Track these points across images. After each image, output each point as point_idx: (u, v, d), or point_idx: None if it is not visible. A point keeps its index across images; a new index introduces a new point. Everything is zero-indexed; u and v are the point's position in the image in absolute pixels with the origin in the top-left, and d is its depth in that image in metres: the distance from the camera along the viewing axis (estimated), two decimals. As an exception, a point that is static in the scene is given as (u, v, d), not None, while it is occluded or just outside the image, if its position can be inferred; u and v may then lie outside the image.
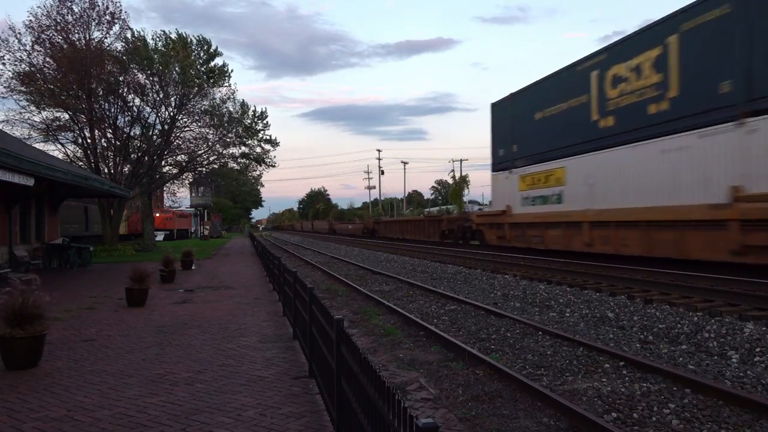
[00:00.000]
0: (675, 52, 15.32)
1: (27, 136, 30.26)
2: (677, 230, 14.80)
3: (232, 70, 41.46)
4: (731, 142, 13.42)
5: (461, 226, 31.26)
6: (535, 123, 22.36)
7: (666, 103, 15.61)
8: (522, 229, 23.17)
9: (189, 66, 32.87)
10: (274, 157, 40.50)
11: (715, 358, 7.40)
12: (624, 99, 17.25)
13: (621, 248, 17.20)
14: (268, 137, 38.54)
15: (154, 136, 34.93)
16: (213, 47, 35.91)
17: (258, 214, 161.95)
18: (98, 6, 30.40)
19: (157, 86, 33.23)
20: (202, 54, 35.15)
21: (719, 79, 13.85)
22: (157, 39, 33.94)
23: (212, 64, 35.59)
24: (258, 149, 38.73)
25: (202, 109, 35.65)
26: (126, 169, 34.52)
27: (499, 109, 25.95)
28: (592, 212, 18.54)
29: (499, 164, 25.68)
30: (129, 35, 32.28)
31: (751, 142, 12.93)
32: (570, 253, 20.14)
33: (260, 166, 39.94)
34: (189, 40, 34.70)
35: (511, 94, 24.48)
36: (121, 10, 31.41)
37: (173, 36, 34.41)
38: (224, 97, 36.19)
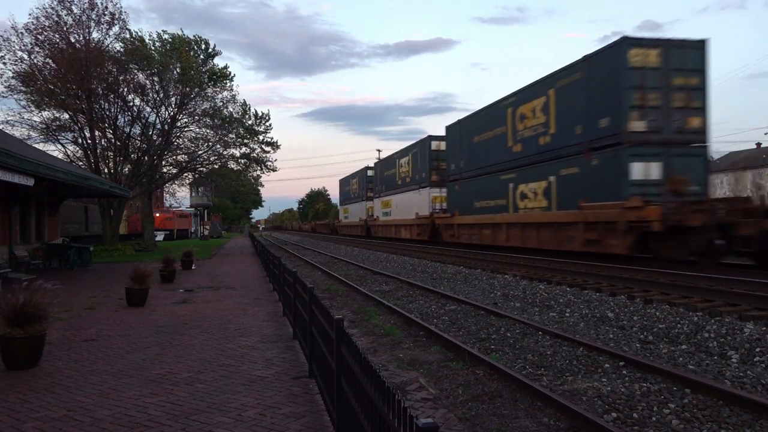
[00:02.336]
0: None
1: (27, 137, 30.27)
2: None
3: (234, 75, 41.45)
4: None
5: (332, 226, 70.53)
6: None
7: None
8: None
9: (189, 67, 32.84)
10: (275, 160, 40.47)
11: (715, 358, 7.40)
12: None
13: None
14: (269, 139, 38.52)
15: (154, 136, 34.92)
16: (212, 46, 35.91)
17: (258, 214, 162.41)
18: (97, 6, 30.44)
19: (157, 86, 33.22)
20: (200, 54, 35.12)
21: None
22: (155, 40, 33.95)
23: (212, 64, 35.58)
24: (258, 150, 38.71)
25: (202, 110, 35.63)
26: (126, 169, 34.49)
27: None
28: None
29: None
30: (128, 35, 32.32)
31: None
32: None
33: (260, 168, 39.93)
34: (186, 39, 34.65)
35: None
36: (120, 10, 31.44)
37: (170, 33, 34.46)
38: (225, 99, 36.22)
